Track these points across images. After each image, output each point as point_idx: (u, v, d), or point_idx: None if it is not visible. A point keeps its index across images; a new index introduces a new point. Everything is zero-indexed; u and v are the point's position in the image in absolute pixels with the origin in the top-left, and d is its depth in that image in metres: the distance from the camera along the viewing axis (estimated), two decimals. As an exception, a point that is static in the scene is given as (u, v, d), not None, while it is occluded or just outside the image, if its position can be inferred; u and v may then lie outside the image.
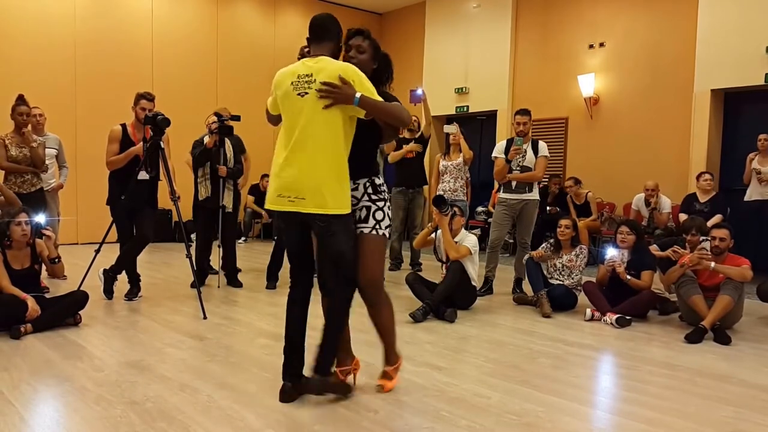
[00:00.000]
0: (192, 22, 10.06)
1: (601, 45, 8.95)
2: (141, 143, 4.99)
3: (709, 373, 3.51)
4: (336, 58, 2.86)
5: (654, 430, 2.66)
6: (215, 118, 5.66)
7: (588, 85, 8.94)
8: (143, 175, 4.97)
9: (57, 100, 8.46)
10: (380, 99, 2.79)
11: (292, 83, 2.80)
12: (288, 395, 2.88)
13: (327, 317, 2.94)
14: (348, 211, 2.83)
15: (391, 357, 3.12)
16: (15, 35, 8.44)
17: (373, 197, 2.96)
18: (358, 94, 2.69)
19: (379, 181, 2.99)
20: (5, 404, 2.81)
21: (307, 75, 2.76)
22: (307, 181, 2.73)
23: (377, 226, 2.93)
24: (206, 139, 5.67)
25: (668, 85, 8.23)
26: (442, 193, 6.33)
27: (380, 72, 3.00)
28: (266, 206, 2.93)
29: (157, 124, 4.81)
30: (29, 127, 5.39)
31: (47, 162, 5.69)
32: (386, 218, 2.97)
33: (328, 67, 2.74)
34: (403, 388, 3.10)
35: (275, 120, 3.01)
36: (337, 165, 2.76)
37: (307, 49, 2.99)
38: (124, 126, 5.11)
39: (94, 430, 2.55)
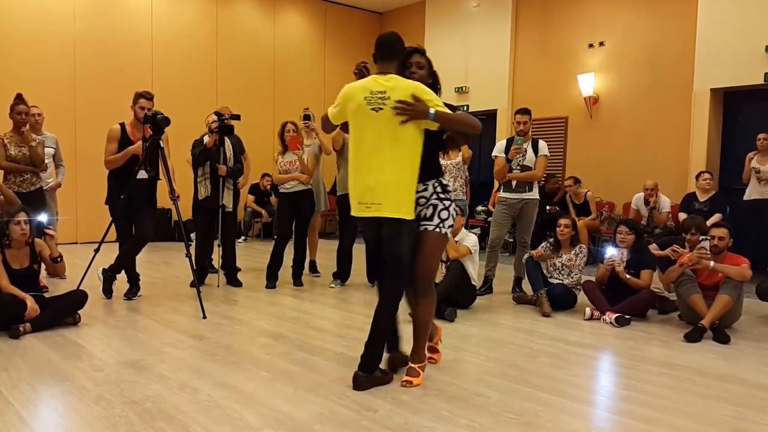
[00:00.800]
0: (192, 22, 10.05)
1: (601, 44, 8.95)
2: (139, 142, 4.98)
3: (708, 372, 3.51)
4: (398, 74, 3.06)
5: (654, 429, 2.66)
6: (215, 117, 5.66)
7: (588, 84, 8.94)
8: (142, 175, 4.96)
9: (56, 100, 8.46)
10: (449, 111, 3.01)
11: (365, 98, 3.00)
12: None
13: (374, 319, 3.08)
14: (413, 217, 3.07)
15: (420, 354, 3.23)
16: (14, 34, 8.43)
17: (442, 196, 3.14)
18: (432, 110, 2.94)
19: (445, 181, 3.19)
20: (5, 404, 2.81)
21: (380, 92, 2.97)
22: (384, 189, 2.98)
23: (440, 225, 3.12)
24: (206, 139, 5.67)
25: (668, 84, 8.23)
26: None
27: (433, 87, 3.16)
28: (351, 214, 3.17)
29: (157, 123, 4.81)
30: (27, 126, 5.39)
31: (46, 161, 5.69)
32: (450, 218, 3.14)
33: (401, 85, 2.98)
34: (402, 387, 3.10)
35: (332, 128, 3.28)
36: (411, 173, 3.01)
37: (363, 64, 3.17)
38: (122, 125, 5.11)
39: (94, 430, 2.55)
